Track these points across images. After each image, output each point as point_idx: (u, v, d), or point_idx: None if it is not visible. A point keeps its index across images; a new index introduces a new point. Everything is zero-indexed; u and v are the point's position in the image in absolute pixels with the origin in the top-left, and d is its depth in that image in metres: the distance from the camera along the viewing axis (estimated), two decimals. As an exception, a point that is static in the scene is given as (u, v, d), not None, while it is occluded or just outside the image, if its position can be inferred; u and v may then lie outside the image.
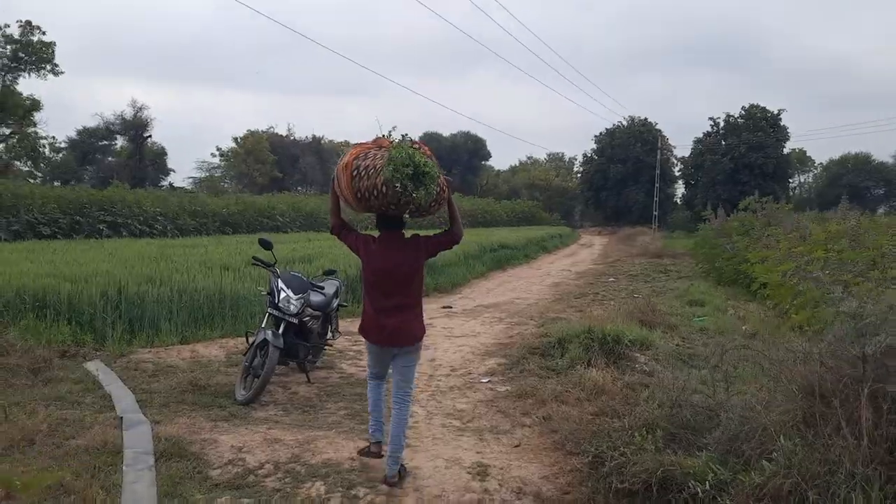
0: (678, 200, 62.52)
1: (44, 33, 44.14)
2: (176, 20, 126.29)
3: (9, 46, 43.12)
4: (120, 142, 58.67)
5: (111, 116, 54.71)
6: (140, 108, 53.41)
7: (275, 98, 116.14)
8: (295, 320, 6.46)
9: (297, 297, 6.47)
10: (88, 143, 61.03)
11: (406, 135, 4.87)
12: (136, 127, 53.61)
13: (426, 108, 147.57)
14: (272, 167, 59.40)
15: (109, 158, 60.15)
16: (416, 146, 4.17)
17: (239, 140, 61.65)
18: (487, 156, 79.22)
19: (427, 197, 4.11)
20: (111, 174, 50.79)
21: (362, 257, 4.54)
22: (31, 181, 42.49)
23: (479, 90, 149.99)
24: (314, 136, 68.23)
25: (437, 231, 4.67)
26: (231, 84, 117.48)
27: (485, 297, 14.98)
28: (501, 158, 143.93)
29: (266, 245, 6.77)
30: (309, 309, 6.74)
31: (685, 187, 57.88)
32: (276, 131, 66.15)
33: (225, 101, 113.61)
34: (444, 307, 13.21)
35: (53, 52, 44.81)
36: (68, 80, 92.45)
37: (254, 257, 6.88)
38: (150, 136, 54.75)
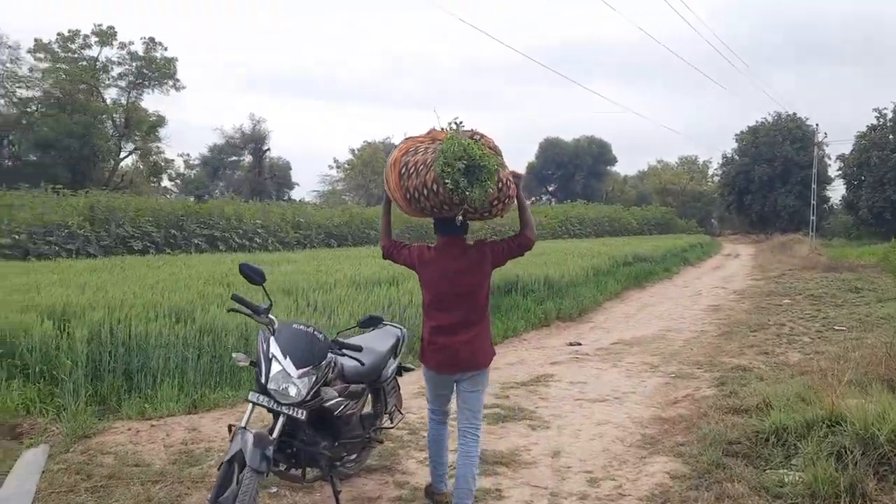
0: (834, 204, 55.46)
1: (165, 49, 44.70)
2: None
3: (133, 63, 43.79)
4: (248, 157, 59.47)
5: (230, 130, 54.94)
6: (258, 122, 53.39)
7: (388, 111, 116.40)
8: (301, 413, 3.55)
9: (300, 371, 3.55)
10: (218, 159, 62.39)
11: (460, 122, 3.73)
12: (255, 140, 53.64)
13: (545, 113, 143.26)
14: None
15: (237, 173, 61.06)
16: (476, 136, 3.64)
17: (356, 151, 60.81)
18: (613, 161, 74.51)
19: (483, 195, 3.54)
20: (237, 189, 51.22)
21: (417, 270, 3.99)
22: (167, 197, 43.11)
23: (601, 93, 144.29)
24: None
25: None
26: (351, 97, 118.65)
27: (623, 328, 11.62)
28: (628, 163, 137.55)
29: (253, 276, 3.88)
30: (330, 390, 3.81)
31: (846, 188, 50.90)
32: (392, 142, 64.89)
33: (346, 113, 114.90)
34: (569, 344, 9.99)
35: (176, 67, 45.34)
36: (190, 95, 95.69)
37: (233, 297, 3.99)
38: (268, 149, 54.72)
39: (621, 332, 11.15)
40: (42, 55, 41.01)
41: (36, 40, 40.75)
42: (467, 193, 3.48)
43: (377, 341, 4.53)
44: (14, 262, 14.61)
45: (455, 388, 3.98)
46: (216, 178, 64.21)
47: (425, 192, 3.56)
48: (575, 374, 7.86)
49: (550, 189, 73.24)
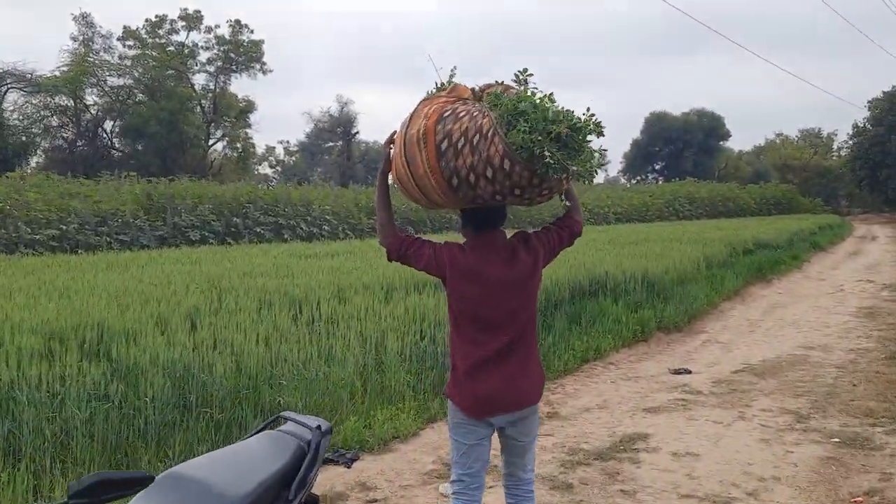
0: None
1: (252, 32, 43.91)
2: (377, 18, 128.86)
3: (220, 48, 43.26)
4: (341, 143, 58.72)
5: (319, 114, 54.03)
6: (346, 104, 52.17)
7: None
8: None
9: None
10: (316, 145, 61.98)
11: (528, 72, 2.79)
12: (342, 124, 52.51)
13: (652, 89, 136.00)
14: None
15: (328, 158, 60.48)
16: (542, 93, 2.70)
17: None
18: (726, 135, 68.82)
19: (589, 170, 2.70)
20: (330, 175, 50.41)
21: (449, 279, 2.88)
22: (268, 186, 42.35)
23: (712, 69, 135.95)
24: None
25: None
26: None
27: (748, 343, 8.79)
28: (742, 138, 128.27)
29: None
30: None
31: None
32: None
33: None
34: (673, 371, 7.32)
35: (263, 50, 44.54)
36: (279, 78, 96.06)
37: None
38: (357, 132, 53.45)
39: (745, 350, 8.33)
40: (131, 42, 41.09)
41: (125, 27, 40.88)
42: (571, 169, 2.61)
43: (250, 461, 2.18)
44: (45, 256, 13.25)
45: (500, 440, 3.04)
46: (314, 163, 64.08)
47: (489, 172, 2.62)
48: (681, 436, 5.22)
49: (657, 167, 68.76)
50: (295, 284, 7.90)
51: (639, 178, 66.91)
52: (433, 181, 2.74)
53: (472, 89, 2.89)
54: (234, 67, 44.15)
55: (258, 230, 19.87)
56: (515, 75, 2.81)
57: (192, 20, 42.35)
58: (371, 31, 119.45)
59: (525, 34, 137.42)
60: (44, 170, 31.45)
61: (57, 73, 37.72)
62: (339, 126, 52.46)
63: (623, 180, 66.07)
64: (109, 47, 41.36)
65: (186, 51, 42.51)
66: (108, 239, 16.90)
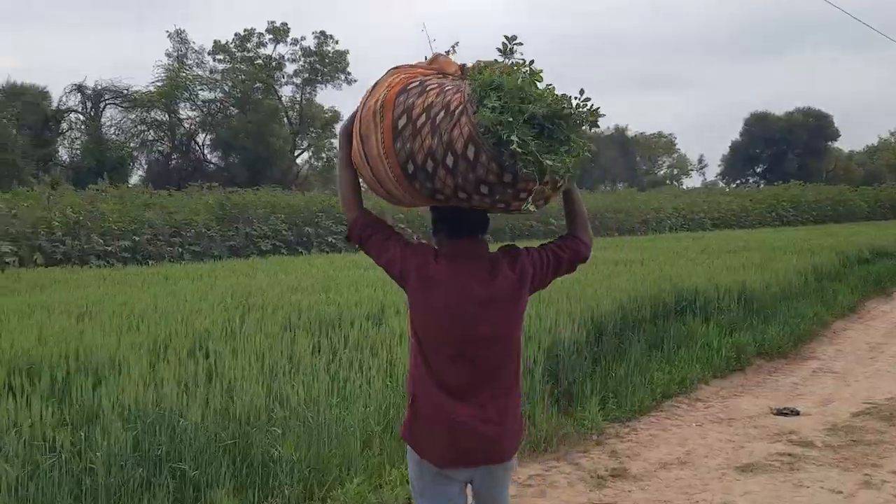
0: None
1: (336, 42, 44.18)
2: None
3: (306, 59, 43.73)
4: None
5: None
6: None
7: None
8: None
9: None
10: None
11: (516, 39, 2.28)
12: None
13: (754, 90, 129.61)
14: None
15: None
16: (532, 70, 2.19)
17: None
18: (835, 135, 64.29)
19: (566, 171, 2.13)
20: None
21: (410, 289, 2.42)
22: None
23: (816, 65, 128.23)
24: (617, 127, 61.39)
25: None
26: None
27: (870, 375, 7.31)
28: (852, 138, 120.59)
29: None
30: None
31: None
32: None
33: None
34: (776, 412, 5.99)
35: (347, 61, 44.73)
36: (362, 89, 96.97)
37: None
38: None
39: (867, 383, 6.88)
40: (221, 56, 42.07)
41: (215, 42, 41.90)
42: (547, 165, 2.05)
43: None
44: (115, 268, 13.08)
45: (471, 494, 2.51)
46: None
47: (450, 160, 2.10)
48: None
49: (758, 170, 65.12)
50: (331, 301, 7.06)
51: (738, 181, 63.54)
52: (387, 166, 2.27)
53: (462, 66, 2.39)
54: (319, 78, 44.54)
55: (330, 240, 19.38)
56: (502, 44, 2.26)
57: (280, 33, 43.02)
58: (455, 37, 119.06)
59: (617, 34, 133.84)
60: (145, 183, 32.62)
61: (152, 89, 39.04)
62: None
63: (721, 184, 62.82)
64: (201, 62, 42.55)
65: (273, 63, 43.18)
66: (180, 249, 16.79)
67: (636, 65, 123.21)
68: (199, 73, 41.74)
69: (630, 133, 65.96)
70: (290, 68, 43.88)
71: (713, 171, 72.25)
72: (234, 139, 39.12)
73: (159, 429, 3.85)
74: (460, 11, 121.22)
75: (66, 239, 15.03)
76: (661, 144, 73.18)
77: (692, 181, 71.51)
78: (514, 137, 2.02)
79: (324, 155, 45.88)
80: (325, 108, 46.32)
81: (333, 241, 19.41)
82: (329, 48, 44.07)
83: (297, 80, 44.25)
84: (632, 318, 7.35)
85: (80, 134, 39.80)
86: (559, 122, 2.12)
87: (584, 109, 2.17)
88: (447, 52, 2.50)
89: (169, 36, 41.31)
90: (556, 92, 2.19)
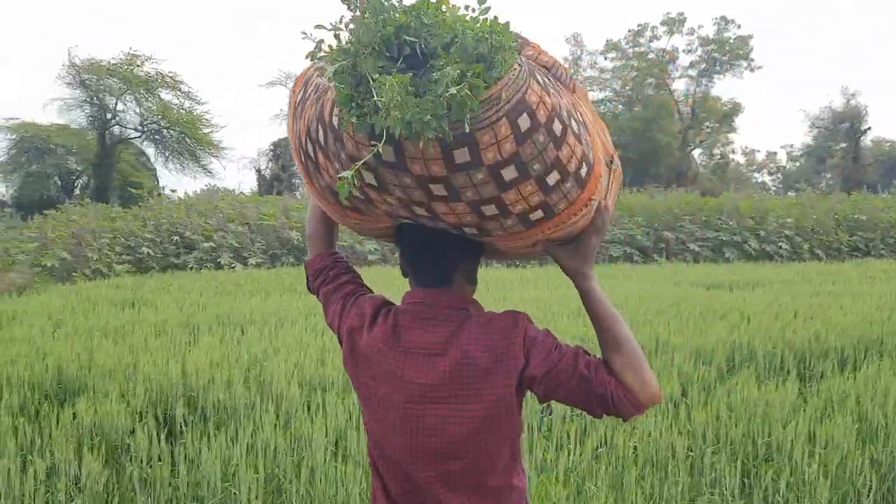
0: None
1: (739, 27, 40.15)
2: None
3: (704, 49, 40.65)
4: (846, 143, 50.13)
5: (818, 111, 46.71)
6: (852, 96, 43.92)
7: None
8: None
9: None
10: (824, 147, 54.43)
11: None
12: (848, 119, 44.39)
13: None
14: None
15: (830, 161, 52.23)
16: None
17: None
18: None
19: (432, 128, 1.14)
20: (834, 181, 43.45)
21: (347, 363, 1.61)
22: (766, 194, 38.57)
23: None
24: None
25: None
26: None
27: None
28: None
29: None
30: None
31: None
32: None
33: None
34: None
35: (751, 45, 40.35)
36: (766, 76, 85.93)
37: None
38: (868, 128, 44.62)
39: None
40: (613, 55, 41.43)
41: (607, 41, 41.39)
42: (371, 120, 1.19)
43: None
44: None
45: None
46: (823, 168, 56.17)
47: (321, 135, 1.37)
48: None
49: None
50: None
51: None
52: (295, 156, 1.63)
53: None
54: (717, 68, 41.00)
55: (692, 247, 17.07)
56: None
57: (675, 24, 40.66)
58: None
59: None
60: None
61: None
62: (844, 122, 44.49)
63: None
64: (594, 63, 42.49)
65: (666, 56, 41.05)
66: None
67: None
68: (591, 73, 41.76)
69: None
70: (684, 60, 41.29)
71: None
72: (616, 138, 38.19)
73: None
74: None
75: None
76: None
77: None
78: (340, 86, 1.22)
79: (717, 151, 42.19)
80: (724, 99, 42.55)
81: (697, 248, 17.10)
82: (730, 34, 40.23)
83: (692, 72, 41.37)
84: None
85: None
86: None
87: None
88: None
89: (566, 40, 42.18)
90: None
